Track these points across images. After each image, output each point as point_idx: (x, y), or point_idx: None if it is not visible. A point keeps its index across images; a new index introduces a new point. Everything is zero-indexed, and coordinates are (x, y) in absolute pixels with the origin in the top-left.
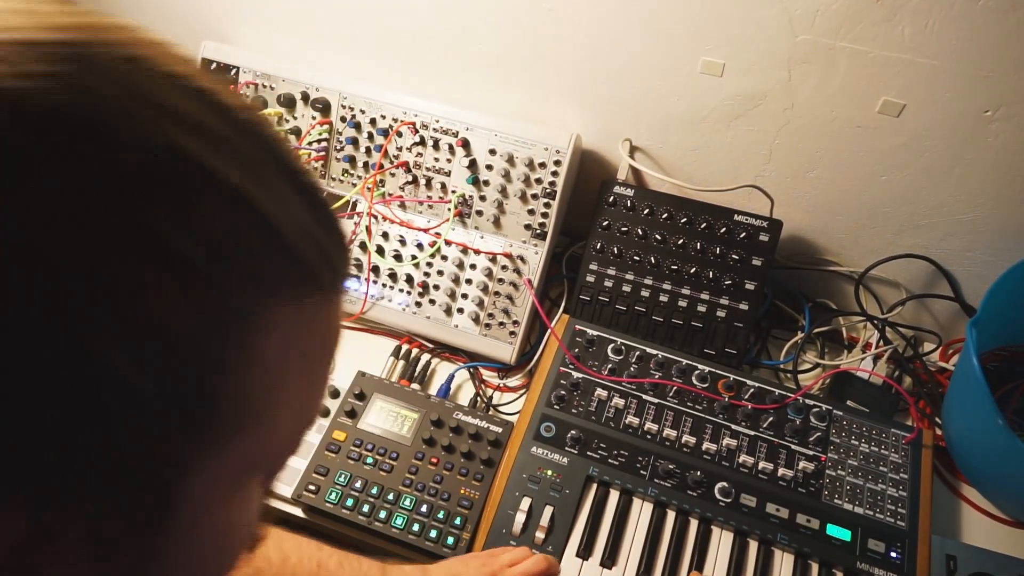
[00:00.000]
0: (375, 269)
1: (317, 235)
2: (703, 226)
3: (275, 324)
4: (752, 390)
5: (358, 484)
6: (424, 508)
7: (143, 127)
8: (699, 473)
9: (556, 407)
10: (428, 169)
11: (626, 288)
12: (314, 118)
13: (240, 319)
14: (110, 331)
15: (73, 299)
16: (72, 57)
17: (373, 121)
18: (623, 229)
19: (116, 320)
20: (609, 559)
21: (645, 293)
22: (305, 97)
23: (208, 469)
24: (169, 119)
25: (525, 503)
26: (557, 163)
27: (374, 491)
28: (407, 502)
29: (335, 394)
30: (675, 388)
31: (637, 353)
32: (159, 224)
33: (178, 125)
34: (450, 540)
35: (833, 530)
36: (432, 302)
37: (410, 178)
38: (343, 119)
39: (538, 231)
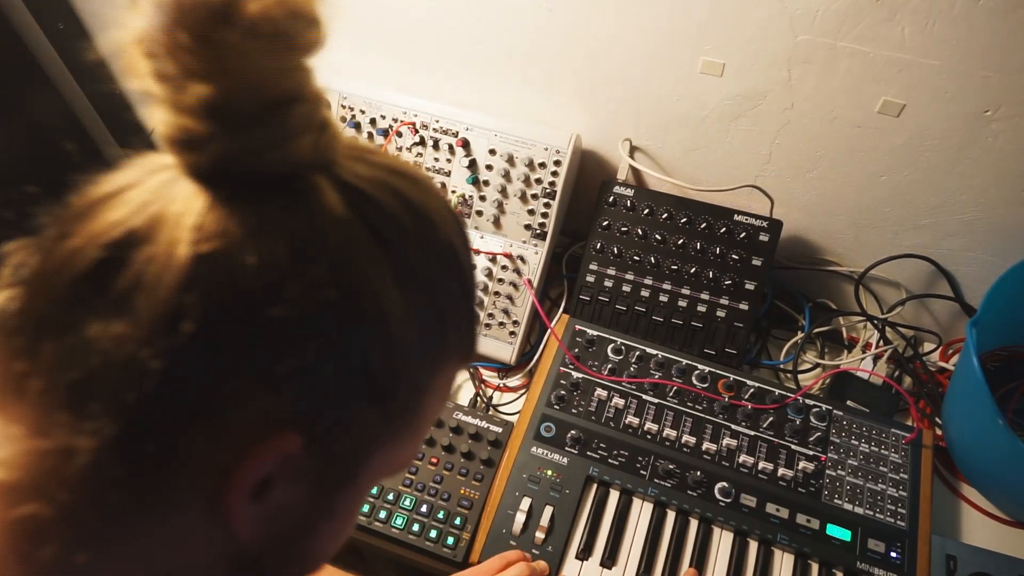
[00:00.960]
0: None
1: (475, 322)
2: (703, 226)
3: (445, 368)
4: (752, 390)
5: None
6: (424, 508)
7: (443, 231)
8: (699, 473)
9: (556, 407)
10: (428, 169)
11: (626, 288)
12: None
13: (444, 352)
14: (401, 320)
15: (392, 298)
16: (425, 185)
17: (373, 121)
18: (623, 229)
19: (406, 316)
20: (609, 559)
21: (645, 293)
22: None
23: (380, 456)
24: (448, 226)
25: (525, 503)
26: (557, 163)
27: (374, 491)
28: (407, 502)
29: None
30: (675, 388)
31: (637, 353)
32: (443, 283)
33: (451, 229)
34: (450, 540)
35: (833, 530)
36: None
37: None
38: (343, 119)
39: (538, 231)
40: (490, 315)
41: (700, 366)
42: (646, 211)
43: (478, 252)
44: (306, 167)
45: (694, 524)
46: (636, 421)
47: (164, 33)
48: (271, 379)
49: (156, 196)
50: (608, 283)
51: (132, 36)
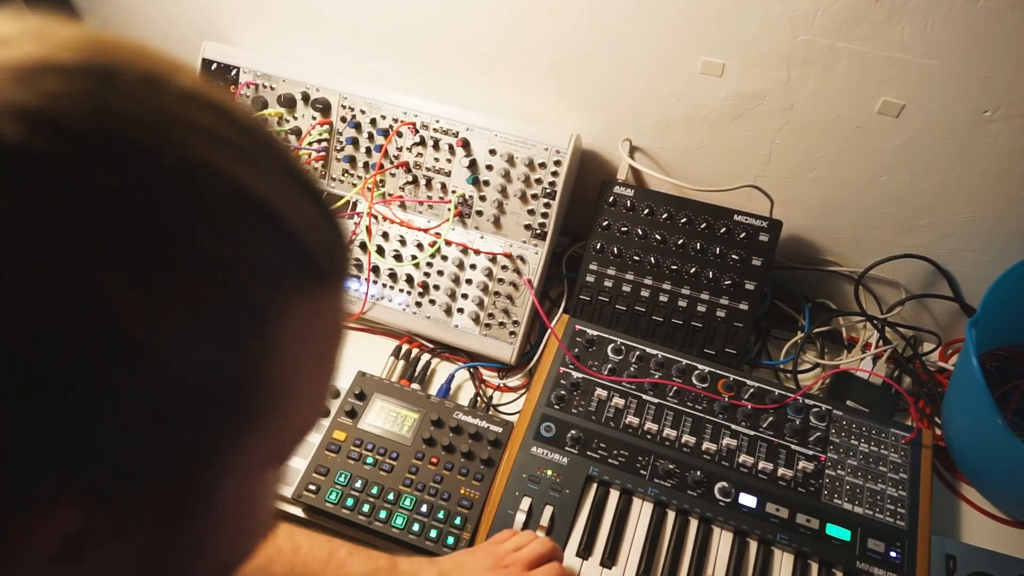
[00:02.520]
0: (375, 269)
1: (323, 232)
2: (703, 226)
3: (291, 317)
4: (752, 390)
5: (358, 484)
6: (424, 508)
7: (173, 144)
8: (699, 473)
9: (556, 407)
10: (428, 169)
11: (626, 288)
12: (314, 118)
13: (261, 311)
14: (152, 328)
15: (121, 304)
16: (95, 77)
17: (373, 121)
18: (623, 229)
19: (157, 319)
20: (609, 559)
21: (645, 293)
22: (305, 97)
23: (238, 457)
24: (193, 133)
25: (525, 503)
26: (557, 163)
27: (374, 491)
28: (407, 502)
29: (335, 394)
30: (675, 388)
31: (637, 353)
32: (192, 232)
33: (201, 138)
34: (450, 540)
35: (833, 530)
36: (432, 302)
37: (410, 178)
38: (343, 119)
39: (538, 231)
40: (490, 315)
41: (700, 366)
42: (646, 211)
43: (478, 252)
44: None
45: (694, 524)
46: (636, 421)
47: None
48: None
49: None
50: (608, 283)
51: None
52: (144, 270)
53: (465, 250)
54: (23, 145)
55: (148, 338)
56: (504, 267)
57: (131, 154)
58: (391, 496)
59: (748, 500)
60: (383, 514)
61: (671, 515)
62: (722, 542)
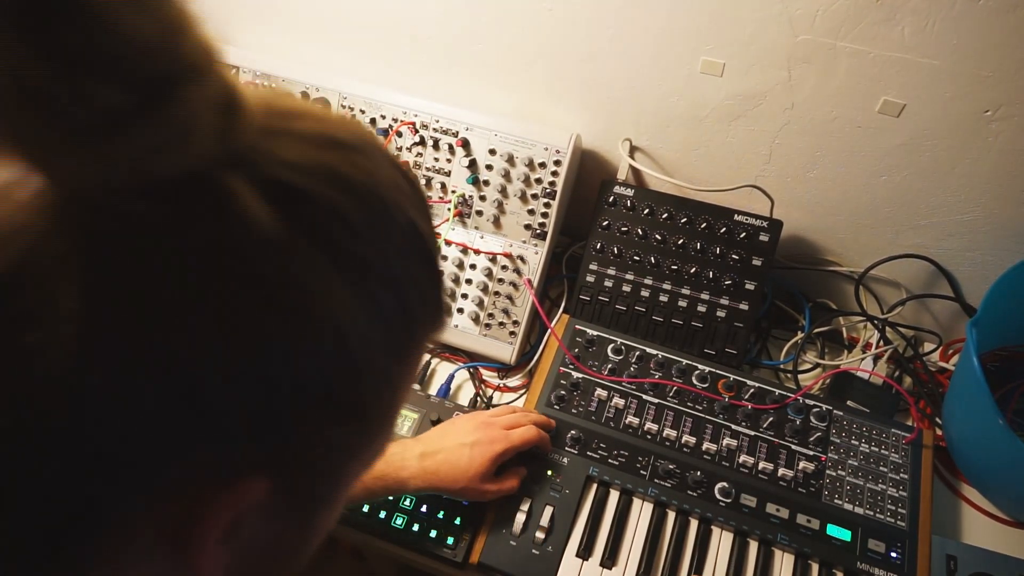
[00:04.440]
0: None
1: (441, 287)
2: (703, 226)
3: (416, 357)
4: (752, 390)
5: None
6: (424, 508)
7: (396, 204)
8: (699, 473)
9: (556, 407)
10: (428, 169)
11: (626, 288)
12: None
13: (419, 338)
14: (361, 335)
15: (346, 308)
16: (365, 153)
17: (373, 121)
18: (623, 229)
19: (365, 331)
20: (609, 559)
21: (645, 293)
22: (305, 97)
23: (357, 463)
24: (403, 197)
25: (525, 503)
26: (557, 163)
27: None
28: (407, 502)
29: None
30: (675, 388)
31: (637, 353)
32: (399, 268)
33: (407, 201)
34: (450, 540)
35: (833, 530)
36: None
37: None
38: None
39: (538, 231)
40: (490, 315)
41: (700, 366)
42: (646, 211)
43: (478, 252)
44: (210, 168)
45: (694, 524)
46: (636, 421)
47: None
48: (213, 428)
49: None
50: (608, 283)
51: None
52: (373, 289)
53: (465, 250)
54: (331, 200)
55: (358, 335)
56: (504, 267)
57: (380, 208)
58: (390, 496)
59: (748, 500)
60: (382, 514)
61: (671, 515)
62: (722, 542)
